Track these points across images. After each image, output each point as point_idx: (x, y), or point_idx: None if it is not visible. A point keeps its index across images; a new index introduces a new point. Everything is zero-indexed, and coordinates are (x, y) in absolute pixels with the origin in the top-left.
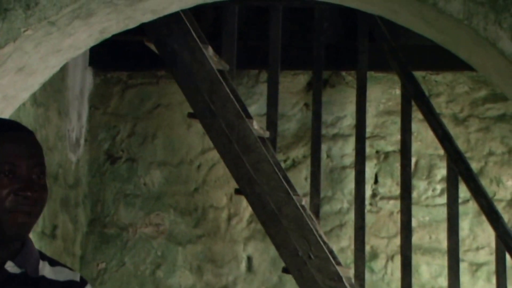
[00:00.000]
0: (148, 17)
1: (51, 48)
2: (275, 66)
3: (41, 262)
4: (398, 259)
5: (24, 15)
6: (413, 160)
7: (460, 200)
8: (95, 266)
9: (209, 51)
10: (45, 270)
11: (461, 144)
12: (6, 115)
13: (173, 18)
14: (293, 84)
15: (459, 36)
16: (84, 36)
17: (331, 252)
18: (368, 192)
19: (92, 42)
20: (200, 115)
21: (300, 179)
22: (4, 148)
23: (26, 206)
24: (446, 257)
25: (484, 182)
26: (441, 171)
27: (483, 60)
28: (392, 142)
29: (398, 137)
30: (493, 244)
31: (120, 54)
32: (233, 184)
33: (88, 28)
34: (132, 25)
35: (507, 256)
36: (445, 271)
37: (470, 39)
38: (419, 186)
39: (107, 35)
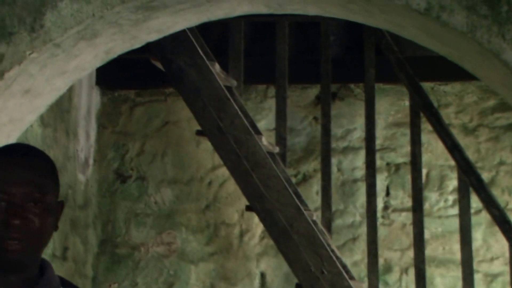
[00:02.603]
0: (153, 37)
1: (57, 70)
2: (282, 81)
3: None
4: (412, 272)
5: (29, 38)
6: (424, 171)
7: (472, 211)
8: (107, 287)
9: (216, 68)
10: None
11: (471, 154)
12: (13, 138)
13: (179, 36)
14: (302, 98)
15: (463, 48)
16: (90, 57)
17: (344, 266)
18: (380, 204)
19: (97, 63)
20: (208, 133)
21: (311, 194)
22: (1, 174)
23: (15, 234)
24: (460, 269)
25: (496, 192)
26: (453, 182)
27: (488, 72)
28: (402, 154)
29: (408, 148)
30: (507, 254)
31: (127, 73)
32: (245, 200)
33: (93, 49)
34: (137, 44)
35: None
36: (460, 283)
37: (474, 51)
38: (431, 197)
39: (113, 55)
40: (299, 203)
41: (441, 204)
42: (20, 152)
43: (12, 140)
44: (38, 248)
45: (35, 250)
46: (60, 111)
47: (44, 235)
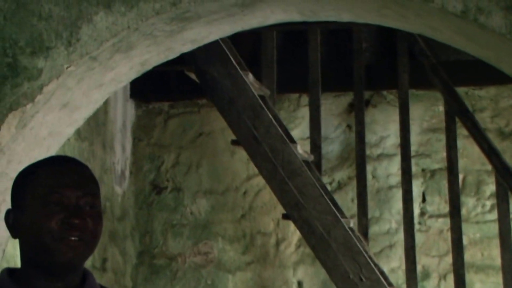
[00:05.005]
0: (187, 47)
1: (94, 83)
2: (315, 89)
3: None
4: (450, 278)
5: (66, 52)
6: (460, 176)
7: (511, 215)
8: None
9: (250, 78)
10: None
11: (509, 158)
12: (52, 151)
13: (212, 47)
14: (335, 105)
15: (502, 50)
16: (125, 69)
17: (382, 273)
18: (416, 211)
19: (133, 75)
20: (244, 142)
21: (347, 201)
22: (53, 179)
23: (74, 233)
24: (500, 274)
25: None
26: (490, 187)
27: None
28: (437, 160)
29: (443, 154)
30: None
31: (161, 85)
32: (280, 209)
33: (129, 61)
34: (172, 56)
35: None
36: None
37: None
38: (468, 202)
39: (148, 67)
40: (336, 211)
41: (479, 209)
42: (71, 161)
43: (51, 153)
44: (91, 251)
45: (88, 254)
46: (96, 125)
47: (97, 239)
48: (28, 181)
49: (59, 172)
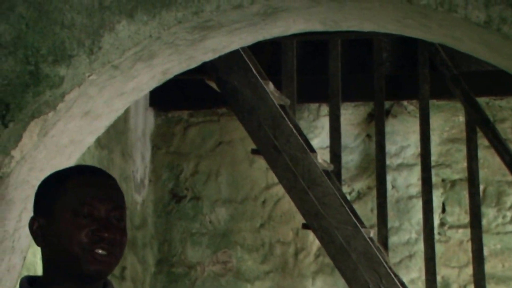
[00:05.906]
0: (209, 56)
1: (115, 92)
2: (336, 99)
3: None
4: None
5: (88, 60)
6: (481, 187)
7: None
8: None
9: (270, 87)
10: None
11: None
12: (73, 159)
13: (233, 56)
14: (354, 115)
15: None
16: (147, 78)
17: (402, 284)
18: (436, 221)
19: (154, 84)
20: (264, 151)
21: (366, 211)
22: (83, 191)
23: (103, 246)
24: None
25: None
26: (511, 198)
27: None
28: (458, 170)
29: (463, 165)
30: None
31: (180, 94)
32: (299, 219)
33: (151, 70)
34: (193, 64)
35: None
36: None
37: None
38: (488, 213)
39: (169, 76)
40: (355, 221)
41: (499, 220)
42: (100, 173)
43: (72, 161)
44: (117, 264)
45: (115, 266)
46: (116, 133)
47: (123, 251)
48: (58, 190)
49: (90, 184)
